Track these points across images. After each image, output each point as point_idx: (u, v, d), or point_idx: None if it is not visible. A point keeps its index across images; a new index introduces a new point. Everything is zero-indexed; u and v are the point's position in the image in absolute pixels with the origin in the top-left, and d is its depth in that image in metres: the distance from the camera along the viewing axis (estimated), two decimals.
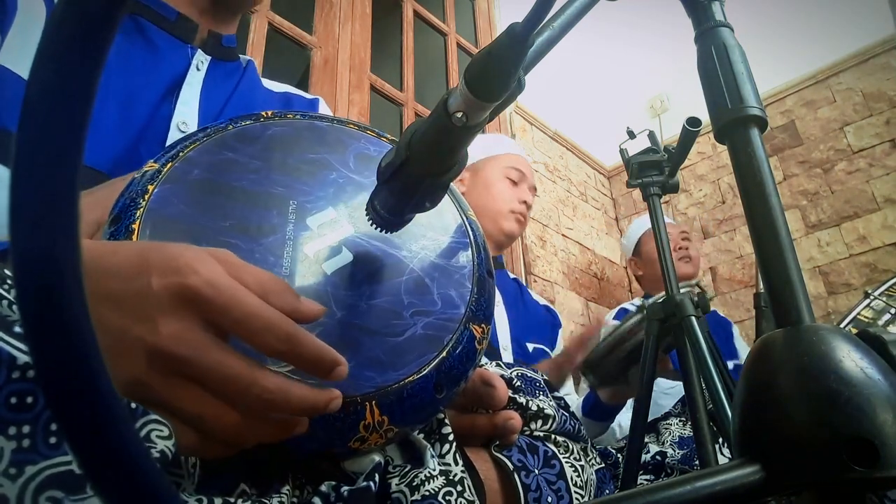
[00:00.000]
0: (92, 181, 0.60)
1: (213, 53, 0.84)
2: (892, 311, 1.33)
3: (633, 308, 2.14)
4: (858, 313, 1.35)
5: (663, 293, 1.21)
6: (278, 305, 0.35)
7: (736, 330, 2.26)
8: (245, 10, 0.94)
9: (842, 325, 1.30)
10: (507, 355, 1.57)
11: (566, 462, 0.59)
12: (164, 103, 0.75)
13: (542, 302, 1.87)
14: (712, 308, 2.36)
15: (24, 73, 0.65)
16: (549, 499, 0.55)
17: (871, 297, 1.36)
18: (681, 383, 1.76)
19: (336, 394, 0.36)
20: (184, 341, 0.32)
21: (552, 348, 1.73)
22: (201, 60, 0.82)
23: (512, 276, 1.89)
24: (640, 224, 2.40)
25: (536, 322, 1.75)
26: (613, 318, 2.11)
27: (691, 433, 1.16)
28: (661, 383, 1.89)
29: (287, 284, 0.38)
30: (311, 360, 0.35)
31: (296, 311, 0.36)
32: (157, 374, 0.32)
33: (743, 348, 2.15)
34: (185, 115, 0.76)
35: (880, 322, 1.33)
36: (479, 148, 1.79)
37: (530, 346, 1.64)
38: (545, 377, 0.71)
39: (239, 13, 0.92)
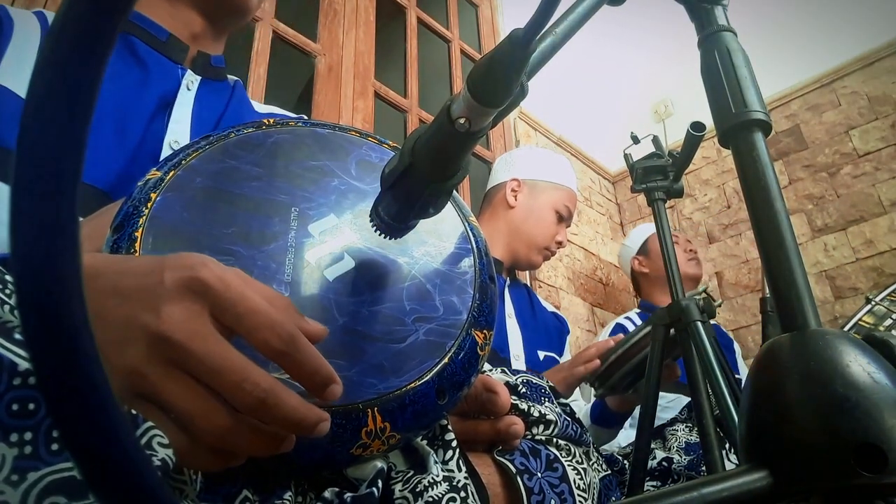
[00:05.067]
0: (90, 199, 0.61)
1: (203, 73, 0.87)
2: (894, 316, 1.33)
3: (628, 322, 2.13)
4: (860, 318, 1.35)
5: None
6: None
7: (738, 348, 2.26)
8: (235, 28, 0.96)
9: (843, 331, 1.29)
10: (520, 364, 1.57)
11: (568, 465, 0.59)
12: (156, 122, 0.77)
13: (551, 309, 1.87)
14: (716, 322, 2.37)
15: (22, 91, 0.66)
16: (553, 502, 0.55)
17: (873, 303, 1.35)
18: (681, 396, 1.76)
19: (326, 416, 0.35)
20: (185, 328, 0.32)
21: (561, 355, 1.73)
22: (191, 80, 0.84)
23: (522, 283, 1.89)
24: (647, 227, 2.41)
25: (546, 330, 1.75)
26: (610, 334, 2.09)
27: (698, 439, 1.15)
28: (662, 396, 1.88)
29: (291, 303, 0.38)
30: (308, 370, 0.34)
31: (300, 328, 0.36)
32: (154, 363, 0.32)
33: (743, 369, 2.14)
34: (178, 134, 0.77)
35: (882, 327, 1.33)
36: (548, 168, 1.79)
37: (541, 355, 1.64)
38: (550, 383, 0.71)
39: (229, 32, 0.94)
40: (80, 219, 0.57)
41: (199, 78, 0.85)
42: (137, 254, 0.42)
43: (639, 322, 2.14)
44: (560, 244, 1.76)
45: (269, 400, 0.32)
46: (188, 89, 0.82)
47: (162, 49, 0.83)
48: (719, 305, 1.23)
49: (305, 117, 1.01)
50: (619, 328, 2.12)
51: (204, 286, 0.33)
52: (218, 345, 0.32)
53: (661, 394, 1.84)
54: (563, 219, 1.75)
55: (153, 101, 0.78)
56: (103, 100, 0.73)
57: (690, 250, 2.29)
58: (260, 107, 0.97)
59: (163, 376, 0.32)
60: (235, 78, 0.95)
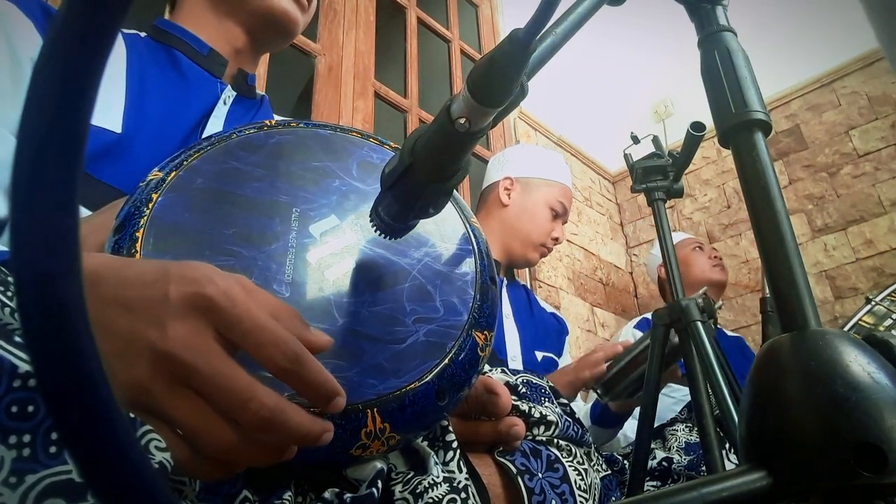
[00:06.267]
0: None
1: (239, 90, 0.89)
2: (894, 316, 1.33)
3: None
4: (860, 319, 1.35)
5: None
6: (288, 330, 0.35)
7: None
8: (275, 50, 0.99)
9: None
10: (516, 365, 1.56)
11: (569, 466, 0.59)
12: (192, 134, 0.79)
13: (550, 309, 1.87)
14: (738, 334, 2.39)
15: None
16: (554, 502, 0.55)
17: (873, 303, 1.35)
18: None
19: (330, 426, 0.35)
20: (191, 347, 0.32)
21: (560, 355, 1.73)
22: (229, 96, 0.86)
23: (521, 283, 1.89)
24: (673, 237, 2.45)
25: (545, 330, 1.74)
26: (635, 327, 2.11)
27: (698, 439, 1.15)
28: (677, 389, 1.88)
29: (298, 313, 0.38)
30: (312, 386, 0.34)
31: (304, 338, 0.36)
32: (160, 380, 0.31)
33: None
34: None
35: (882, 327, 1.32)
36: (541, 165, 1.79)
37: (539, 355, 1.64)
38: (550, 384, 0.71)
39: (267, 52, 0.97)
40: (85, 212, 0.57)
41: (234, 94, 0.87)
42: (138, 254, 0.42)
43: None
44: (556, 240, 1.75)
45: (275, 419, 0.32)
46: (224, 104, 0.84)
47: (202, 63, 0.86)
48: (719, 308, 1.23)
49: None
50: (646, 323, 2.12)
51: (209, 303, 0.33)
52: (223, 363, 0.32)
53: (674, 387, 1.86)
54: (558, 215, 1.74)
55: (194, 114, 0.80)
56: (146, 110, 0.74)
57: (715, 257, 2.33)
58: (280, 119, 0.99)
59: (167, 392, 0.32)
60: (263, 93, 0.97)
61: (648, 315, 2.19)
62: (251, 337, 0.33)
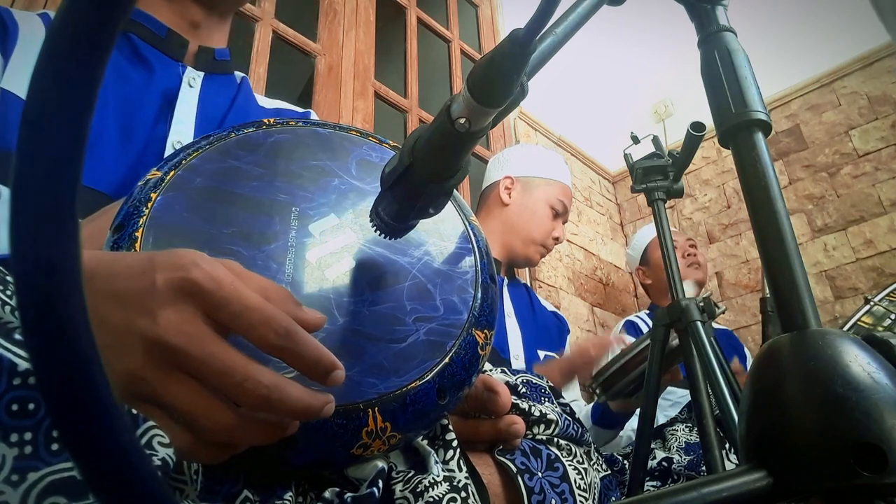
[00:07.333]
0: (93, 203, 0.60)
1: (206, 68, 0.84)
2: (893, 316, 1.33)
3: (639, 321, 2.14)
4: (859, 319, 1.35)
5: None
6: (280, 309, 0.35)
7: (749, 353, 2.25)
8: (234, 10, 0.93)
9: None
10: (519, 364, 1.56)
11: (569, 465, 0.59)
12: (160, 122, 0.75)
13: (551, 308, 1.87)
14: (725, 326, 2.38)
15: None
16: (553, 501, 0.55)
17: (872, 304, 1.35)
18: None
19: (330, 398, 0.35)
20: (181, 332, 0.32)
21: (561, 354, 1.73)
22: (193, 77, 0.82)
23: (522, 282, 1.89)
24: (646, 233, 2.41)
25: (546, 329, 1.75)
26: (620, 332, 2.10)
27: (698, 439, 1.15)
28: (673, 392, 1.89)
29: (289, 293, 0.38)
30: (308, 361, 0.34)
31: (296, 317, 0.36)
32: (154, 368, 0.32)
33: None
34: (181, 134, 0.75)
35: (881, 327, 1.32)
36: (541, 164, 1.80)
37: (541, 354, 1.64)
38: (550, 384, 0.71)
39: (228, 16, 0.92)
40: (80, 220, 0.57)
41: (201, 74, 0.83)
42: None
43: (650, 322, 2.14)
44: (557, 240, 1.76)
45: (273, 396, 0.32)
46: (190, 86, 0.81)
47: (161, 46, 0.81)
48: (722, 312, 1.22)
49: (312, 111, 1.00)
50: (631, 325, 2.12)
51: (196, 287, 0.33)
52: (216, 346, 0.32)
53: (671, 389, 1.86)
54: (559, 214, 1.75)
55: (157, 101, 0.77)
56: (108, 102, 0.72)
57: (689, 255, 2.25)
58: (266, 101, 0.95)
59: (163, 379, 0.32)
60: (242, 74, 0.93)
61: (633, 318, 2.18)
62: (241, 318, 0.33)
